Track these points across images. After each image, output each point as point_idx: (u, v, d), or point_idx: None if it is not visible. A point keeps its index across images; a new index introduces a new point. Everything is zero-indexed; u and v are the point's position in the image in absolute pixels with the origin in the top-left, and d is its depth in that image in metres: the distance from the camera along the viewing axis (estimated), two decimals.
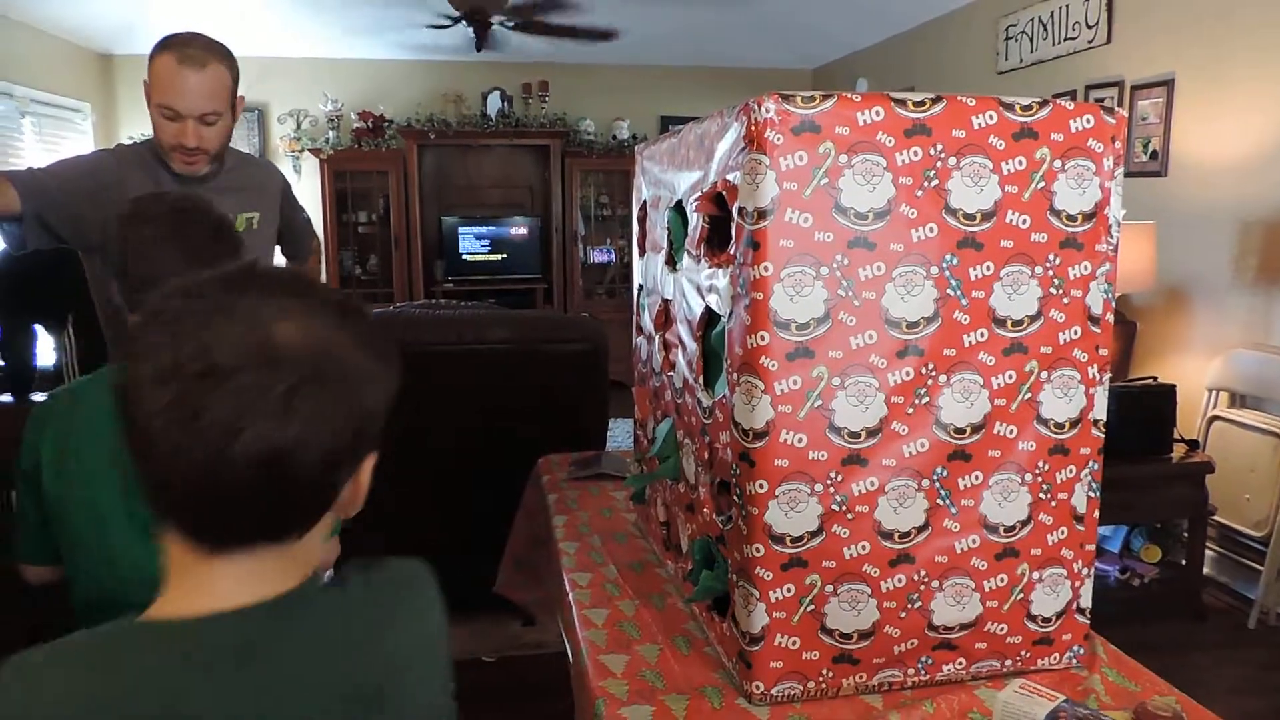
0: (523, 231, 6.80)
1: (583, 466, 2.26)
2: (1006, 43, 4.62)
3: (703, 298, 1.37)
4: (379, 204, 6.66)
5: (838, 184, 1.15)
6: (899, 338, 1.18)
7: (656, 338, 1.70)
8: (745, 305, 1.17)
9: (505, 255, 6.76)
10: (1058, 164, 1.21)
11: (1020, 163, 1.19)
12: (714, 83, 6.94)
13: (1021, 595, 1.28)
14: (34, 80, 5.22)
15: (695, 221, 1.40)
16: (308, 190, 6.15)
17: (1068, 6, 4.14)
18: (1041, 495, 1.27)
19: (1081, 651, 1.34)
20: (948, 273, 1.19)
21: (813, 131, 1.13)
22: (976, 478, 1.24)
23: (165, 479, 0.67)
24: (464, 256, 6.68)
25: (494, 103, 6.67)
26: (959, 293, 1.20)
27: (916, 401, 1.20)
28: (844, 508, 1.20)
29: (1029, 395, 1.24)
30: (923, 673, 1.28)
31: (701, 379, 1.41)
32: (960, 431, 1.22)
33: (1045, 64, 4.34)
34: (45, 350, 3.69)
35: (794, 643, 1.22)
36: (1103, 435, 1.29)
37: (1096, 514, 1.31)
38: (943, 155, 1.17)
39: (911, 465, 1.21)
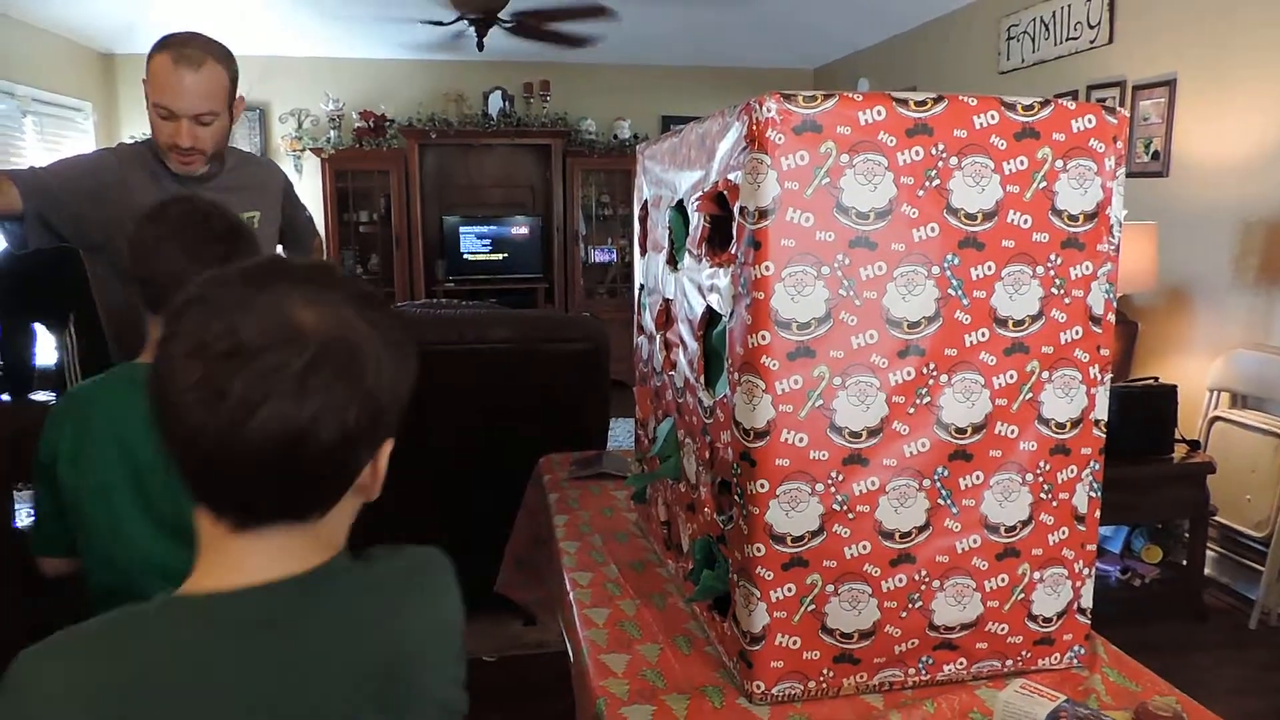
0: (524, 231, 6.80)
1: (584, 466, 2.26)
2: (1008, 42, 4.62)
3: (704, 297, 1.37)
4: (380, 203, 6.66)
5: (839, 183, 1.15)
6: (900, 337, 1.18)
7: (658, 337, 1.70)
8: (746, 305, 1.17)
9: (506, 255, 6.75)
10: (1059, 164, 1.21)
11: (1022, 162, 1.19)
12: (715, 82, 6.93)
13: (1022, 595, 1.28)
14: (35, 79, 5.22)
15: (696, 221, 1.40)
16: (309, 190, 6.14)
17: (1069, 6, 4.14)
18: (1043, 495, 1.27)
19: (1082, 651, 1.34)
20: (949, 272, 1.19)
21: (814, 131, 1.13)
22: (977, 477, 1.24)
23: (192, 457, 0.70)
24: (465, 256, 6.68)
25: (495, 102, 6.67)
26: (960, 292, 1.20)
27: (917, 401, 1.20)
28: (845, 507, 1.20)
29: (1030, 395, 1.24)
30: (923, 673, 1.28)
31: (703, 378, 1.41)
32: (961, 431, 1.22)
33: (1047, 64, 4.34)
34: (46, 350, 3.69)
35: (795, 642, 1.22)
36: (1104, 435, 1.29)
37: (1097, 514, 1.31)
38: (944, 155, 1.17)
39: (912, 465, 1.21)
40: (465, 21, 5.06)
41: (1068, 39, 4.16)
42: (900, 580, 1.23)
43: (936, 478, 1.22)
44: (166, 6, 5.11)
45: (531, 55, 6.19)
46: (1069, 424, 1.26)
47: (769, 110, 1.12)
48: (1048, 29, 4.31)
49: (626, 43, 6.05)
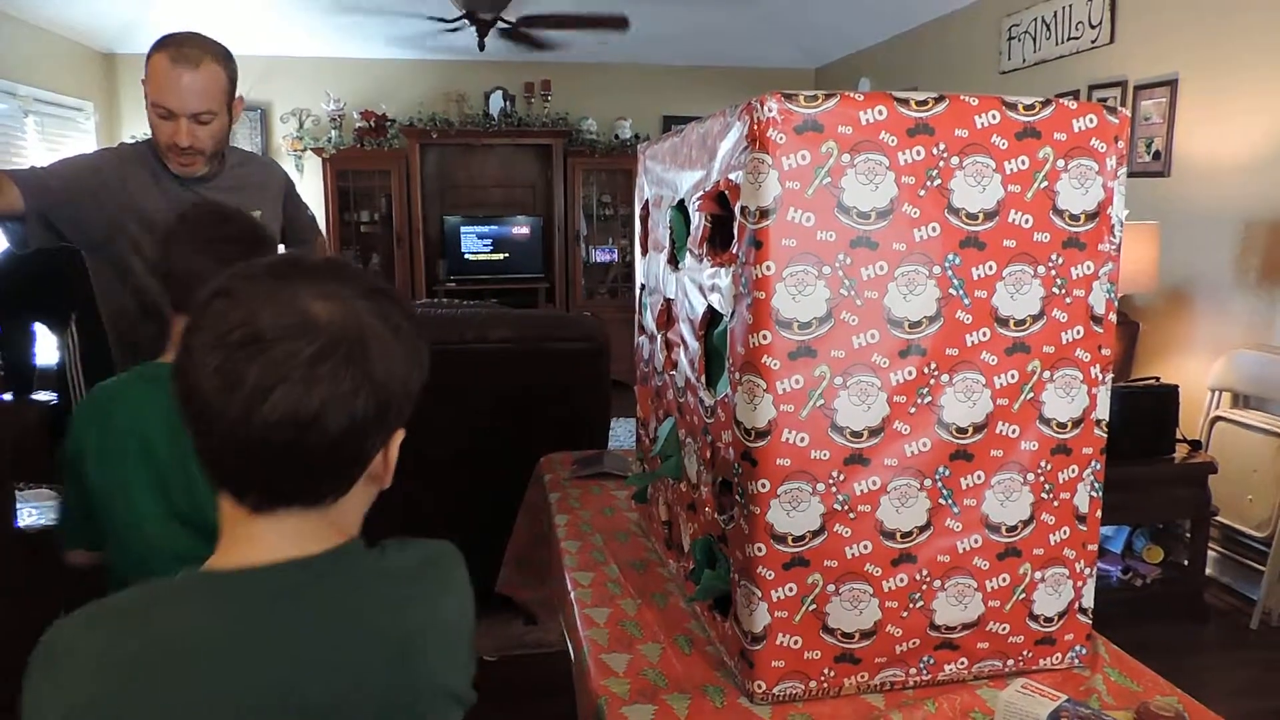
0: (525, 231, 6.80)
1: (585, 465, 2.26)
2: (1009, 42, 4.62)
3: (705, 297, 1.37)
4: (381, 203, 6.66)
5: (840, 183, 1.15)
6: (901, 337, 1.18)
7: (659, 337, 1.70)
8: (747, 304, 1.17)
9: (507, 254, 6.76)
10: (1060, 164, 1.20)
11: (1023, 162, 1.19)
12: (716, 82, 6.93)
13: (1024, 595, 1.28)
14: (37, 79, 5.22)
15: (698, 221, 1.40)
16: (310, 190, 6.15)
17: (1071, 6, 4.13)
18: (1044, 495, 1.27)
19: (1084, 651, 1.34)
20: (950, 272, 1.19)
21: (815, 131, 1.13)
22: (979, 477, 1.24)
23: (211, 442, 0.74)
24: (466, 256, 6.68)
25: (496, 102, 6.67)
26: (961, 292, 1.20)
27: (919, 401, 1.20)
28: (846, 507, 1.20)
29: (1031, 395, 1.24)
30: (924, 672, 1.28)
31: (704, 378, 1.41)
32: (962, 431, 1.22)
33: (1048, 64, 4.33)
34: (48, 349, 3.69)
35: (796, 642, 1.22)
36: (1105, 435, 1.29)
37: (1099, 514, 1.31)
38: (945, 155, 1.17)
39: (913, 465, 1.21)
40: (467, 20, 5.06)
41: (1069, 39, 4.16)
42: (901, 580, 1.23)
43: (938, 477, 1.22)
44: (167, 6, 5.12)
45: (532, 55, 6.19)
46: (1070, 424, 1.26)
47: (770, 110, 1.12)
48: (1049, 29, 4.30)
49: (628, 42, 6.05)
